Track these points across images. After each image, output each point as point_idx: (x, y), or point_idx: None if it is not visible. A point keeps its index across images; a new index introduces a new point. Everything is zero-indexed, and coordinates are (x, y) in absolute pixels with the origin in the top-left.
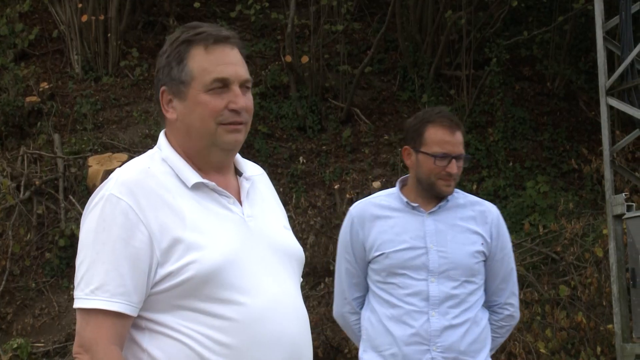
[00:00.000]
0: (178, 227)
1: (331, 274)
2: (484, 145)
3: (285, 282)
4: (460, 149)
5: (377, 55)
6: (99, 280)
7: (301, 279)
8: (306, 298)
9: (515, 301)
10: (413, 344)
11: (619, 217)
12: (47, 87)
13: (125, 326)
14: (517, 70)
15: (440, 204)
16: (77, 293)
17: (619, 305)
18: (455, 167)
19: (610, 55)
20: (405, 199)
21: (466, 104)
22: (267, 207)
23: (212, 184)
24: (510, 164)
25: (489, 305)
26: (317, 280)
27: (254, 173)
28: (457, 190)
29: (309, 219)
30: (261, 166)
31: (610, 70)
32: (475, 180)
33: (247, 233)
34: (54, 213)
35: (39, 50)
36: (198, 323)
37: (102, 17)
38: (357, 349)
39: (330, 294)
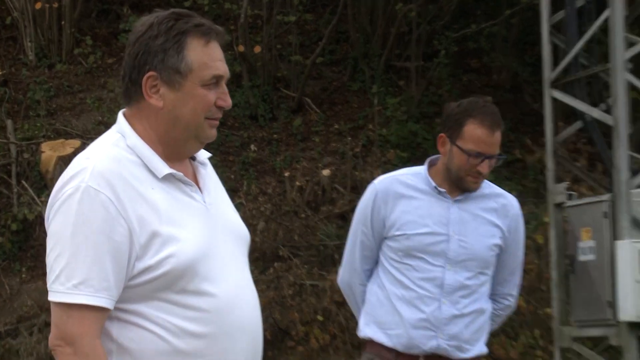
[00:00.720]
0: (154, 220)
1: (279, 259)
2: (432, 135)
3: (243, 267)
4: (495, 150)
5: (329, 46)
6: (82, 275)
7: (249, 263)
8: (255, 282)
9: (516, 292)
10: (421, 328)
11: (559, 206)
12: (0, 73)
13: (105, 319)
14: (465, 63)
15: (465, 193)
16: (55, 287)
17: (558, 290)
18: (486, 167)
19: (555, 49)
20: (433, 183)
21: (415, 94)
22: (219, 191)
23: (179, 174)
24: None
25: (491, 294)
26: (266, 265)
27: (205, 158)
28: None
29: (259, 206)
30: (213, 154)
31: (555, 63)
32: None
33: (210, 221)
34: (7, 198)
35: None
36: (171, 314)
37: (55, 5)
38: (304, 332)
39: (279, 278)
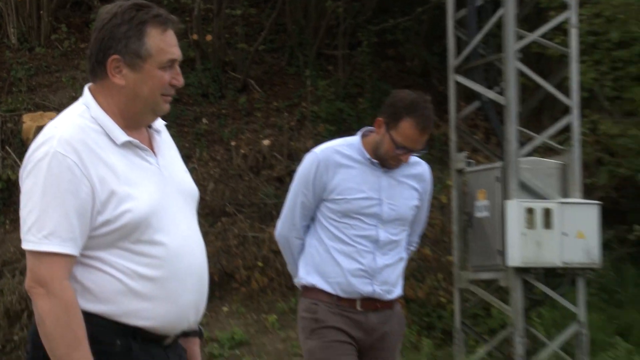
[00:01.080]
0: (113, 181)
1: (225, 214)
2: (355, 112)
3: (191, 220)
4: (420, 146)
5: (269, 36)
6: (51, 228)
7: (198, 217)
8: (205, 234)
9: (419, 238)
10: (359, 276)
11: (460, 171)
12: None
13: (72, 264)
14: (383, 52)
15: None
16: (28, 237)
17: (458, 241)
18: (408, 158)
19: (458, 41)
20: (367, 155)
21: (341, 78)
22: (173, 154)
23: (136, 141)
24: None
25: None
26: (215, 220)
27: (160, 125)
28: None
29: (209, 170)
30: (170, 125)
31: (458, 53)
32: None
33: (163, 181)
34: None
35: None
36: (127, 260)
37: None
38: (246, 276)
39: (225, 231)
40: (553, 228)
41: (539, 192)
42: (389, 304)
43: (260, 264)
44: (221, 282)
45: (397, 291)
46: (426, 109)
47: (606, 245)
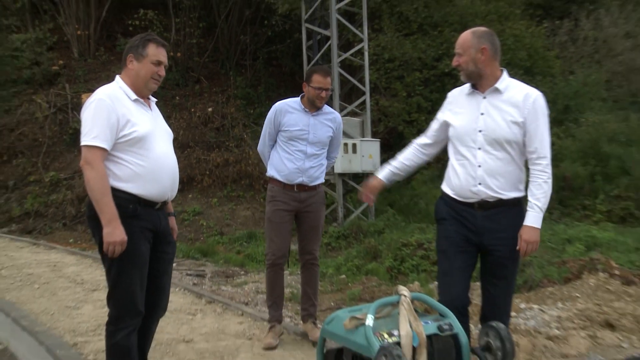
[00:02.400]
0: (129, 115)
1: (189, 147)
2: (256, 94)
3: (168, 145)
4: (328, 86)
5: (211, 53)
6: (95, 134)
7: (174, 149)
8: (179, 157)
9: (335, 154)
10: (295, 172)
11: None
12: (62, 62)
13: (105, 155)
14: (271, 63)
15: (318, 111)
16: (84, 139)
17: None
18: (325, 94)
19: (308, 58)
20: (302, 107)
21: (249, 76)
22: (159, 112)
23: (140, 100)
24: (268, 101)
25: (327, 157)
26: (183, 150)
27: (153, 100)
28: (325, 105)
29: (181, 123)
30: (159, 100)
31: (308, 64)
32: (252, 109)
33: (153, 122)
34: (66, 119)
35: (58, 46)
36: (135, 158)
37: (86, 32)
38: (200, 178)
39: (189, 155)
40: (357, 153)
41: (350, 134)
42: (313, 187)
43: (207, 172)
44: (187, 182)
45: (318, 181)
46: (322, 65)
47: (383, 162)
